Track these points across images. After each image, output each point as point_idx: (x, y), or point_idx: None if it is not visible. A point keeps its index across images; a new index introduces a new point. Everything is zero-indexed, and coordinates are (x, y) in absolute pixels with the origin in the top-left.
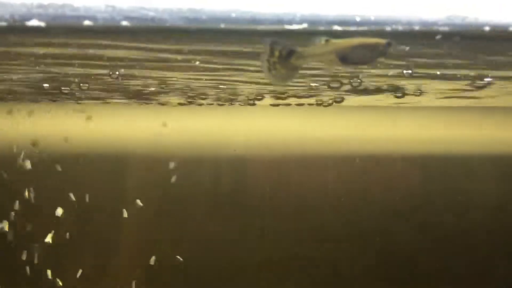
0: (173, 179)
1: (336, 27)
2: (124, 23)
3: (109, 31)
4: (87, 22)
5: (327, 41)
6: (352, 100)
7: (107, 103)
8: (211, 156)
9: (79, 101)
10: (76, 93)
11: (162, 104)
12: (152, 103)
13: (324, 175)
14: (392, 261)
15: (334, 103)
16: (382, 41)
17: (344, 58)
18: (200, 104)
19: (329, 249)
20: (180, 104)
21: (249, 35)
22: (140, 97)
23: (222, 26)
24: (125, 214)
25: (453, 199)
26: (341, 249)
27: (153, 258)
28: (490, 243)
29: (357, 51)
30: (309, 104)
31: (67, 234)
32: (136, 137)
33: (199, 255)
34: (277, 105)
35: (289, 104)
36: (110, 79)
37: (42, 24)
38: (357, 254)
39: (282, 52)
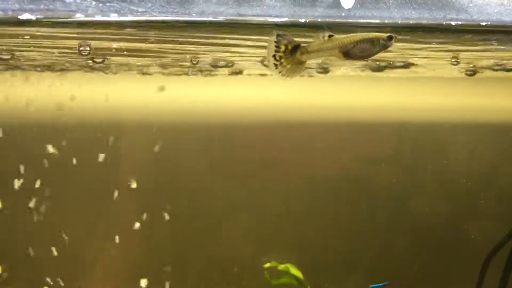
0: None
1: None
2: None
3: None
4: None
5: (330, 36)
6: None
7: None
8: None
9: None
10: None
11: None
12: None
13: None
14: None
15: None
16: (384, 35)
17: (347, 53)
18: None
19: None
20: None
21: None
22: None
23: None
24: None
25: None
26: None
27: None
28: None
29: (360, 46)
30: None
31: None
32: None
33: None
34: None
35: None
36: None
37: None
38: None
39: (288, 46)
